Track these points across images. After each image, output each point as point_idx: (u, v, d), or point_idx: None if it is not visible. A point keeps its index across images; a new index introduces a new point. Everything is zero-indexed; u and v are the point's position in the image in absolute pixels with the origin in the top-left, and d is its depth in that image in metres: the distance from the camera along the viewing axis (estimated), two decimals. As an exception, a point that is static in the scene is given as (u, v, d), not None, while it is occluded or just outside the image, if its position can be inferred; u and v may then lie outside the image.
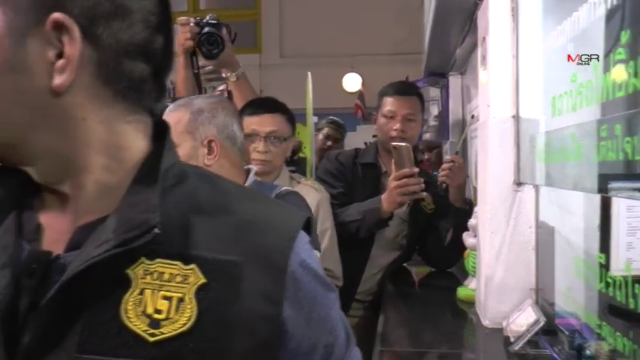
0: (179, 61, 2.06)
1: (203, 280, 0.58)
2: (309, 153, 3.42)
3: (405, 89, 2.39)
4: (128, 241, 0.56)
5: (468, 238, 1.97)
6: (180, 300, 0.57)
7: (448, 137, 4.01)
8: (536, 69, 1.55)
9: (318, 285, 0.65)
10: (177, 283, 0.58)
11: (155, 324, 0.56)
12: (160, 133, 0.67)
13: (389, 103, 2.30)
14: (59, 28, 0.57)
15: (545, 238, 1.58)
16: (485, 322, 1.63)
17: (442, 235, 2.30)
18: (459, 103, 3.86)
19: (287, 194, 1.63)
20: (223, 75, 2.13)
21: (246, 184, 1.54)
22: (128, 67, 0.60)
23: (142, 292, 0.57)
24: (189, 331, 0.56)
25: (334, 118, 4.42)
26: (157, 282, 0.57)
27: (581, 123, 1.14)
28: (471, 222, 1.95)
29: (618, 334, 1.15)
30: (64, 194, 0.62)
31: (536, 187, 1.60)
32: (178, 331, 0.56)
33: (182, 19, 2.00)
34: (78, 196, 0.62)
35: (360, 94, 7.20)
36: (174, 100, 1.57)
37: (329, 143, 4.18)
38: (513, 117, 1.62)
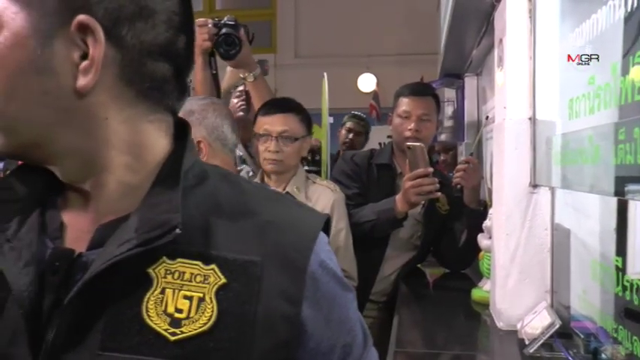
0: (197, 62, 2.07)
1: (223, 281, 0.59)
2: (324, 154, 3.42)
3: (421, 90, 2.39)
4: (150, 240, 0.57)
5: (482, 240, 1.97)
6: (201, 299, 0.58)
7: (463, 138, 4.00)
8: (553, 71, 1.55)
9: (336, 285, 0.65)
10: (198, 282, 0.58)
11: (176, 323, 0.57)
12: (181, 132, 0.67)
13: (404, 104, 2.30)
14: (84, 29, 0.57)
15: (560, 240, 1.58)
16: (500, 324, 1.63)
17: (457, 236, 2.30)
18: (475, 105, 3.85)
19: None
20: (241, 75, 2.14)
21: None
22: (151, 68, 0.61)
23: (163, 292, 0.58)
24: (209, 331, 0.57)
25: (356, 112, 4.43)
26: (177, 281, 0.58)
27: (599, 125, 1.14)
28: (486, 224, 1.94)
29: (635, 338, 1.15)
30: (87, 193, 0.63)
31: (552, 190, 1.59)
32: (199, 330, 0.57)
33: (200, 20, 2.01)
34: (100, 194, 0.63)
35: (374, 95, 7.19)
36: None
37: (350, 136, 4.20)
38: (530, 119, 1.61)
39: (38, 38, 0.57)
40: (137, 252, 0.57)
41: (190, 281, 0.58)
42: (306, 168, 2.85)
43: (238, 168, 2.28)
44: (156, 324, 0.57)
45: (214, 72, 2.04)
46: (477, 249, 2.04)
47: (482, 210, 2.20)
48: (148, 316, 0.57)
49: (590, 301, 1.40)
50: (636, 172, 0.94)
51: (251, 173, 2.25)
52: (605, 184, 1.11)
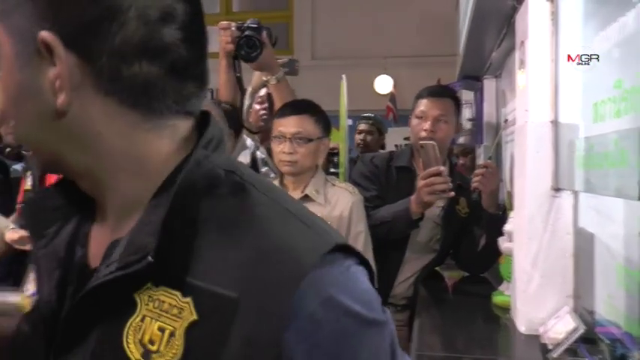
0: (221, 64, 2.09)
1: (194, 318, 0.54)
2: (342, 157, 3.41)
3: (439, 91, 2.38)
4: (128, 265, 0.55)
5: (503, 243, 1.95)
6: (172, 334, 0.54)
7: (482, 141, 3.97)
8: (576, 74, 1.53)
9: (351, 322, 0.54)
10: (173, 315, 0.55)
11: (147, 355, 0.55)
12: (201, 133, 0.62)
13: (422, 105, 2.30)
14: (47, 46, 0.55)
15: (583, 244, 1.56)
16: (521, 329, 1.62)
17: (476, 239, 2.28)
18: (494, 107, 3.83)
19: None
20: (264, 78, 2.15)
21: None
22: (128, 73, 0.56)
23: (143, 319, 0.56)
24: None
25: (368, 114, 4.44)
26: (156, 310, 0.55)
27: (626, 129, 1.13)
28: (507, 227, 1.93)
29: (661, 344, 1.13)
30: (105, 207, 0.63)
31: (575, 193, 1.58)
32: None
33: (223, 23, 2.04)
34: (112, 210, 0.63)
35: (391, 96, 7.18)
36: (216, 103, 1.60)
37: (362, 137, 4.21)
38: (552, 122, 1.60)
39: (20, 61, 0.57)
40: (116, 276, 0.55)
41: (167, 312, 0.55)
42: (332, 170, 2.85)
43: (261, 170, 2.30)
44: (131, 352, 0.55)
45: (238, 74, 2.05)
46: (496, 253, 2.03)
47: (500, 214, 2.19)
48: (127, 343, 0.55)
49: (615, 306, 1.38)
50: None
51: (272, 175, 2.26)
52: (631, 188, 1.09)
